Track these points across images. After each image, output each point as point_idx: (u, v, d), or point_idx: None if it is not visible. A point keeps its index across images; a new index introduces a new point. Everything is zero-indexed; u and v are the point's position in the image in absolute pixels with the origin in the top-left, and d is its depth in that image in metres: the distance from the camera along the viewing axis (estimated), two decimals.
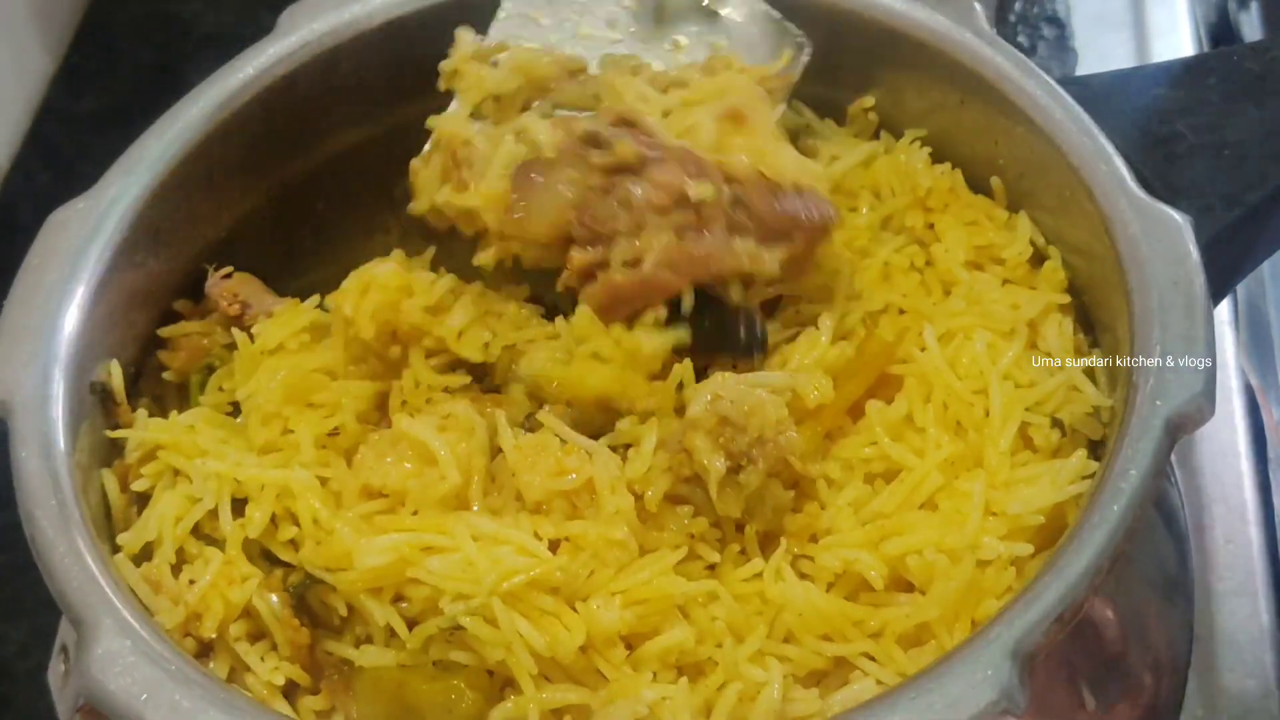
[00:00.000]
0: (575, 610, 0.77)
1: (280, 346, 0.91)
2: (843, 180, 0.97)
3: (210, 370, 0.93)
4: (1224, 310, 1.23)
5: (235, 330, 0.92)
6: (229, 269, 0.96)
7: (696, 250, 0.83)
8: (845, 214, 0.96)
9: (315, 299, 0.94)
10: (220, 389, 0.92)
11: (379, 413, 0.88)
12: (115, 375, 0.89)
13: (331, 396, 0.87)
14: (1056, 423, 0.84)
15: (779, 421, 0.81)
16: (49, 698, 0.85)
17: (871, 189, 0.97)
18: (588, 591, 0.78)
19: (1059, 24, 1.57)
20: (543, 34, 0.96)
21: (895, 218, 0.96)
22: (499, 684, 0.78)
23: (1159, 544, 0.88)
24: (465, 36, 0.94)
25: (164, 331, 0.94)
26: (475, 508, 0.81)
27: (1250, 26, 1.59)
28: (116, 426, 0.88)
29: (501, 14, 0.97)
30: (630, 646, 0.78)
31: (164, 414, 0.90)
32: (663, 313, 0.85)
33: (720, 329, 0.86)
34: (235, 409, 0.91)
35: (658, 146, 0.85)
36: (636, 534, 0.80)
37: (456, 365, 0.89)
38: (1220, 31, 1.58)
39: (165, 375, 0.94)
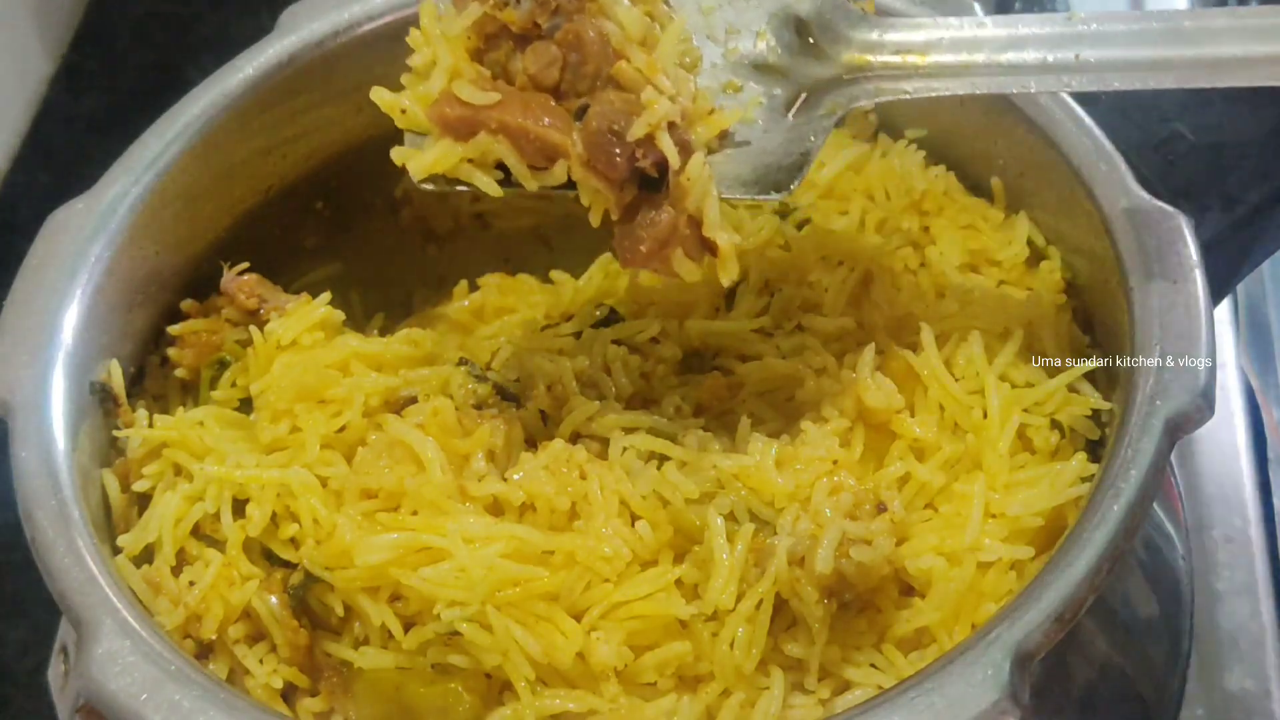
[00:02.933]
0: (572, 618, 0.77)
1: (294, 342, 0.91)
2: (834, 184, 0.97)
3: (223, 365, 0.93)
4: (1224, 310, 1.23)
5: (252, 327, 0.92)
6: (245, 264, 0.96)
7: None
8: (835, 217, 0.96)
9: (327, 295, 0.94)
10: (233, 385, 0.93)
11: (388, 409, 0.88)
12: (115, 375, 0.89)
13: (342, 393, 0.87)
14: (1055, 424, 0.84)
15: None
16: (49, 698, 0.85)
17: (865, 192, 0.97)
18: (586, 604, 0.78)
19: None
20: None
21: (890, 221, 0.96)
22: (497, 687, 0.78)
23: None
24: None
25: (174, 329, 0.95)
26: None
27: None
28: (117, 427, 0.88)
29: None
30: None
31: (166, 413, 0.90)
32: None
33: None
34: (244, 405, 0.91)
35: (561, 19, 0.77)
36: (633, 545, 0.79)
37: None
38: None
39: (177, 373, 0.94)
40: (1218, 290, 0.84)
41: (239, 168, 0.98)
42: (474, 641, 0.76)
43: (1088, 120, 0.89)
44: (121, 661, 0.72)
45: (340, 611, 0.81)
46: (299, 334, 0.91)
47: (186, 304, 0.96)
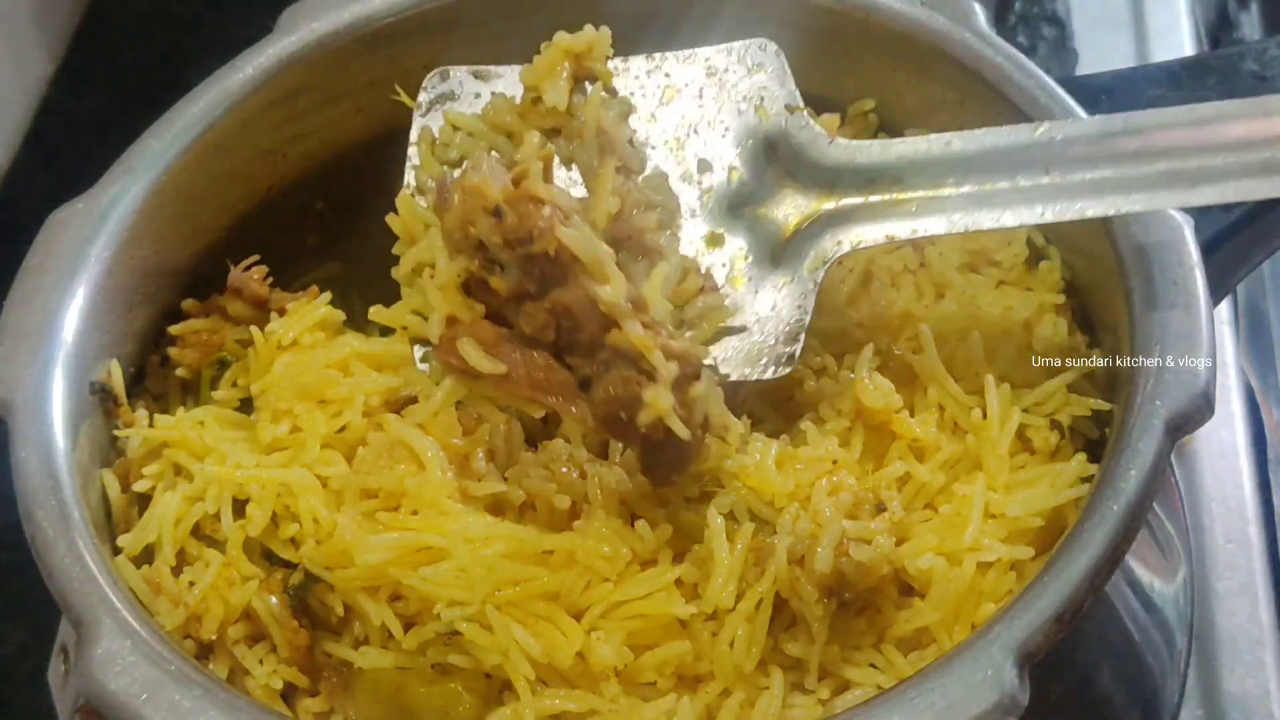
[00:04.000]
0: (572, 618, 0.77)
1: (295, 342, 0.91)
2: None
3: (223, 365, 0.94)
4: (1224, 310, 1.24)
5: (253, 328, 0.92)
6: (254, 258, 0.96)
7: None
8: None
9: (327, 295, 0.94)
10: (233, 384, 0.93)
11: (388, 409, 0.88)
12: (115, 375, 0.89)
13: (342, 393, 0.87)
14: (1055, 424, 0.84)
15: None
16: (49, 698, 0.85)
17: None
18: (586, 603, 0.78)
19: (1059, 24, 1.57)
20: None
21: None
22: (497, 687, 0.78)
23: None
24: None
25: (174, 329, 0.95)
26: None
27: (1250, 26, 1.59)
28: (117, 427, 0.88)
29: None
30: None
31: (166, 413, 0.90)
32: None
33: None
34: (245, 405, 0.91)
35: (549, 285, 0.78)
36: (632, 544, 0.79)
37: None
38: (1220, 31, 1.58)
39: (178, 372, 0.94)
40: (1218, 290, 0.84)
41: (239, 168, 0.98)
42: (474, 641, 0.76)
43: None
44: (121, 661, 0.72)
45: (340, 611, 0.81)
46: (299, 334, 0.91)
47: (187, 304, 0.96)
